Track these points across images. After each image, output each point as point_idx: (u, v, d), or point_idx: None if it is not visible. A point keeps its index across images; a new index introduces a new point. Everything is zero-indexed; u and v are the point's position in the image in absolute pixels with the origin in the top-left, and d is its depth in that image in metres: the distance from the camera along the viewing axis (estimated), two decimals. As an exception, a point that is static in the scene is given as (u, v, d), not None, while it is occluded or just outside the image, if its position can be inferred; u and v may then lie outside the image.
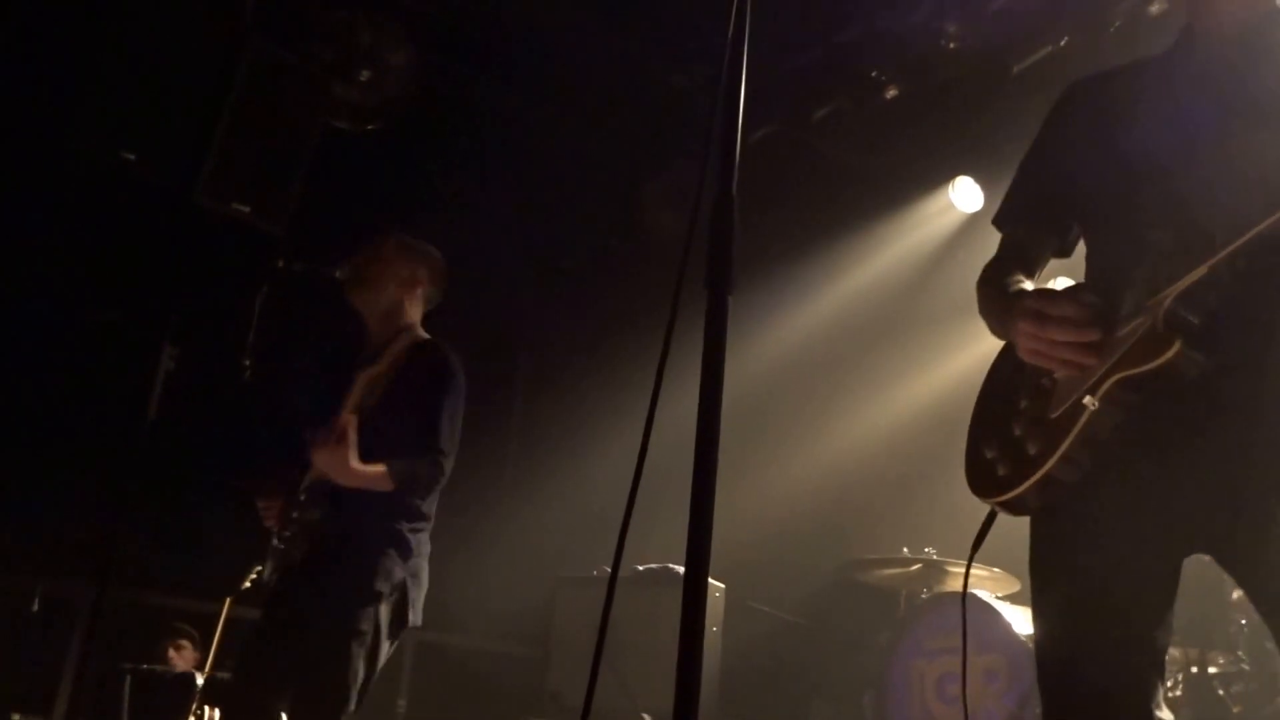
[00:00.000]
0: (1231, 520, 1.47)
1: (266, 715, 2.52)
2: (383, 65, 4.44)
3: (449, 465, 2.70)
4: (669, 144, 5.15)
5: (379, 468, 2.57)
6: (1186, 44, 1.68)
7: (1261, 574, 1.47)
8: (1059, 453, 1.48)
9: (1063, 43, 3.91)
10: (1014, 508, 1.60)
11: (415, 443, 2.65)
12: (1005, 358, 1.76)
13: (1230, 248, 1.34)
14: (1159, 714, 1.51)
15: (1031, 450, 1.54)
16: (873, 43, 4.36)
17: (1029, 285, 1.70)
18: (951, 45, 4.09)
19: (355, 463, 2.52)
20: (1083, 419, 1.46)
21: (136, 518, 3.25)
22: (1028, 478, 1.52)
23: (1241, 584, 1.57)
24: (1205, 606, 3.39)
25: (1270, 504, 1.43)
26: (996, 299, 1.71)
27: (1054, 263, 1.84)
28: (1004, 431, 1.63)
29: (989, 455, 1.64)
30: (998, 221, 1.85)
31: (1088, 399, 1.46)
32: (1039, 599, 1.63)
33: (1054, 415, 1.52)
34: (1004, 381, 1.71)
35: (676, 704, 1.08)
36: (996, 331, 1.74)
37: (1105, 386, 1.45)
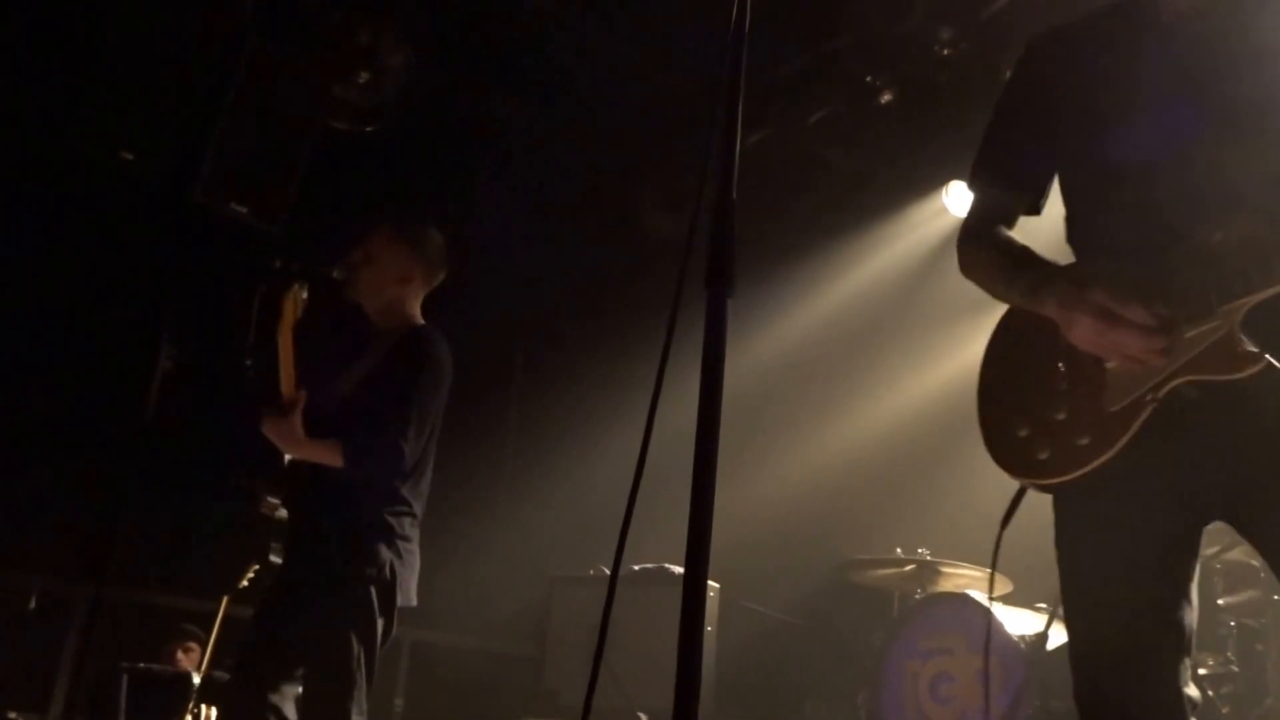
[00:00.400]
0: (1253, 489, 1.49)
1: (264, 706, 2.54)
2: (381, 66, 4.45)
3: (413, 449, 2.66)
4: (668, 146, 5.17)
5: (330, 442, 2.60)
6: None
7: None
8: (1118, 447, 1.49)
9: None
10: (1051, 490, 1.61)
11: (379, 423, 2.65)
12: (1018, 326, 1.74)
13: None
14: (1187, 690, 1.53)
15: (1082, 440, 1.54)
16: (868, 48, 4.39)
17: (1022, 245, 1.69)
18: (946, 51, 4.12)
19: (302, 434, 2.56)
20: (1144, 414, 1.48)
21: (134, 516, 3.26)
22: (1079, 468, 1.53)
23: (1261, 549, 1.58)
24: (1197, 605, 3.42)
25: None
26: (1010, 265, 1.69)
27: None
28: (1041, 412, 1.62)
29: (1022, 434, 1.63)
30: (972, 181, 1.85)
31: (1150, 396, 1.47)
32: (1066, 578, 1.63)
33: (1113, 409, 1.52)
34: (1027, 354, 1.68)
35: (676, 705, 1.08)
36: (1006, 295, 1.72)
37: (1171, 385, 1.46)
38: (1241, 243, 1.42)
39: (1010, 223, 1.79)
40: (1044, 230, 1.82)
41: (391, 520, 2.69)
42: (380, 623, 2.62)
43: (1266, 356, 1.39)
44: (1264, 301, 1.40)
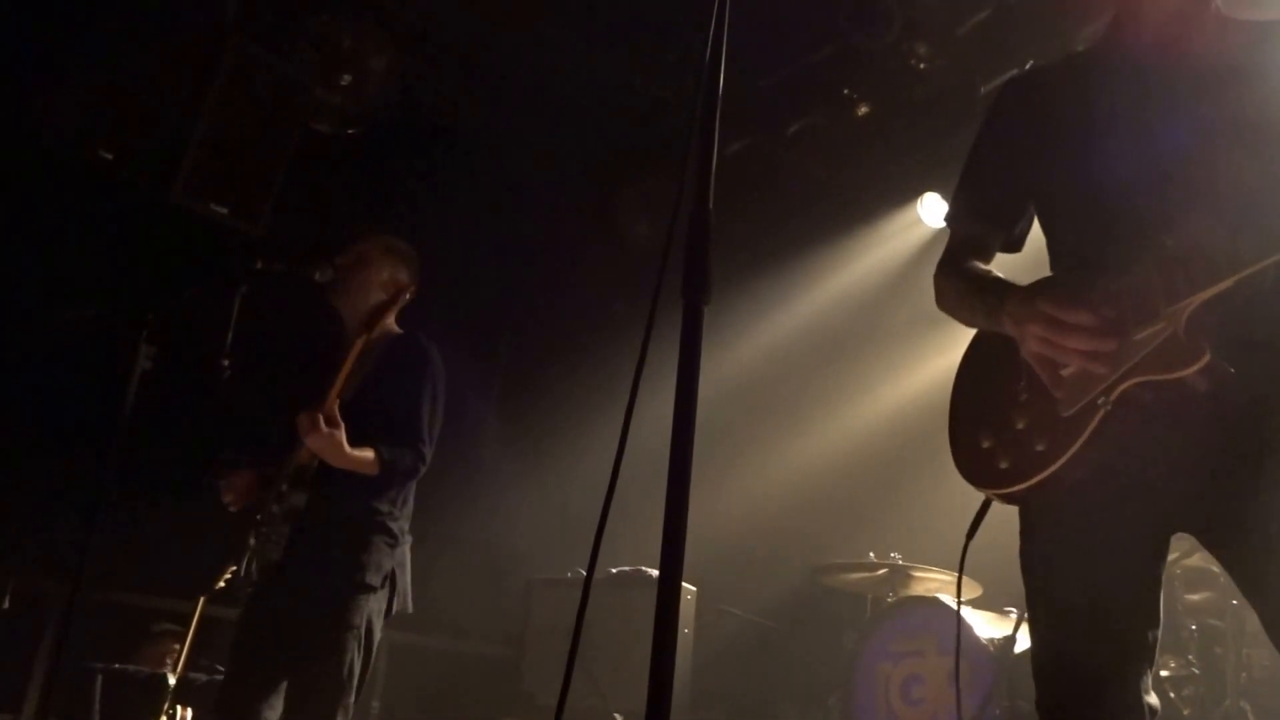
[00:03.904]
0: (1222, 504, 1.52)
1: (255, 714, 2.53)
2: (364, 70, 4.46)
3: (430, 454, 2.74)
4: (647, 154, 5.21)
5: (368, 452, 2.62)
6: (1120, 36, 1.72)
7: (1252, 558, 1.52)
8: (1071, 452, 1.51)
9: (1028, 65, 4.02)
10: (1013, 499, 1.63)
11: (397, 431, 2.69)
12: (985, 346, 1.78)
13: (1262, 264, 1.36)
14: (1147, 699, 1.56)
15: (1039, 446, 1.55)
16: (845, 62, 4.46)
17: (998, 273, 1.74)
18: (921, 66, 4.19)
19: (347, 445, 2.58)
20: (1095, 419, 1.49)
21: (111, 516, 3.25)
22: (1036, 474, 1.55)
23: (1223, 560, 1.62)
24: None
25: (1263, 495, 1.48)
26: (973, 291, 1.73)
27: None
28: (1003, 423, 1.64)
29: (985, 445, 1.65)
30: (949, 218, 1.90)
31: (1102, 399, 1.49)
32: (1032, 589, 1.66)
33: (1067, 414, 1.53)
34: (993, 370, 1.71)
35: (649, 705, 1.10)
36: (973, 320, 1.77)
37: (1122, 388, 1.47)
38: (1192, 245, 1.44)
39: (985, 256, 1.83)
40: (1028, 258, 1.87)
41: (392, 524, 2.71)
42: (378, 633, 2.64)
43: (1208, 353, 1.40)
44: (1214, 302, 1.42)
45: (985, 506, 1.73)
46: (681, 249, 1.29)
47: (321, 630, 2.57)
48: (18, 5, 4.11)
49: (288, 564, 2.66)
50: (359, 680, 2.58)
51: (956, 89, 4.14)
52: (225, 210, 4.15)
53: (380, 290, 2.89)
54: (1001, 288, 1.68)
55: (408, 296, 2.97)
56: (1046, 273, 1.74)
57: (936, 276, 1.84)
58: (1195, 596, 3.55)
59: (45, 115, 3.99)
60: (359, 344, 2.64)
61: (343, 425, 2.57)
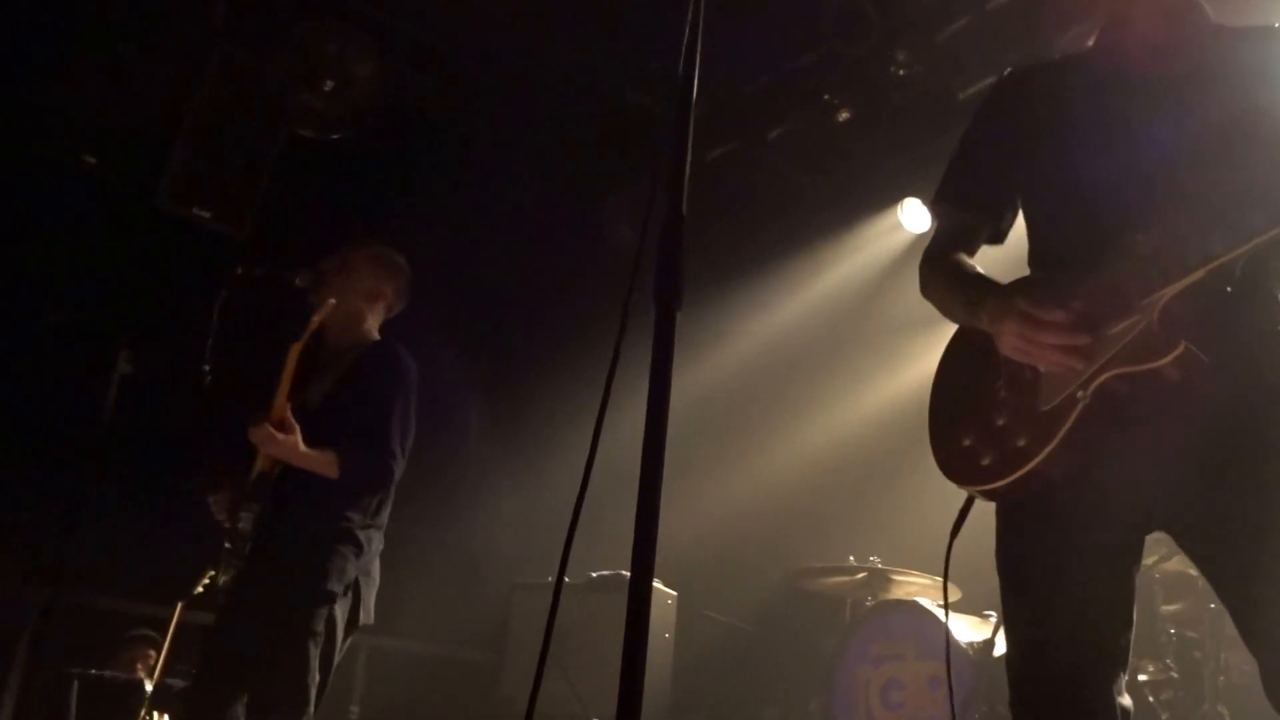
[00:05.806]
0: (1199, 500, 1.53)
1: (226, 716, 2.52)
2: (348, 75, 4.47)
3: (399, 465, 2.71)
4: (632, 160, 5.24)
5: (328, 453, 2.61)
6: (1111, 40, 1.76)
7: (1227, 557, 1.53)
8: (1053, 444, 1.52)
9: (1006, 72, 4.05)
10: (995, 495, 1.65)
11: (366, 440, 2.68)
12: (963, 346, 1.80)
13: (1232, 254, 1.39)
14: (1120, 700, 1.58)
15: (1020, 442, 1.57)
16: (826, 67, 4.49)
17: (981, 270, 1.77)
18: (901, 72, 4.23)
19: (302, 445, 2.57)
20: (1075, 412, 1.51)
21: (89, 521, 3.23)
22: (1018, 468, 1.56)
23: (1196, 561, 1.63)
24: (1136, 617, 3.51)
25: (1240, 493, 1.50)
26: (956, 285, 1.76)
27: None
28: (983, 420, 1.66)
29: (967, 443, 1.67)
30: (935, 203, 1.92)
31: (1080, 393, 1.51)
32: (1007, 589, 1.67)
33: (1045, 408, 1.55)
34: (971, 368, 1.73)
35: (619, 707, 1.11)
36: (953, 314, 1.79)
37: (1099, 381, 1.50)
38: (1162, 239, 1.47)
39: (970, 248, 1.85)
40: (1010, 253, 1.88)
41: (360, 534, 2.68)
42: (340, 643, 2.62)
43: (1184, 342, 1.42)
44: (1187, 295, 1.44)
45: (968, 505, 1.74)
46: (655, 256, 1.29)
47: (284, 638, 2.55)
48: (3, 10, 4.09)
49: (254, 569, 2.65)
50: (321, 685, 2.56)
51: (936, 95, 4.17)
52: (209, 215, 4.15)
53: (361, 299, 2.88)
54: (982, 285, 1.70)
55: (386, 309, 2.97)
56: (1027, 272, 1.77)
57: (922, 265, 1.87)
58: (1174, 605, 3.57)
59: (29, 119, 3.98)
60: (295, 349, 2.63)
61: (296, 428, 2.56)
